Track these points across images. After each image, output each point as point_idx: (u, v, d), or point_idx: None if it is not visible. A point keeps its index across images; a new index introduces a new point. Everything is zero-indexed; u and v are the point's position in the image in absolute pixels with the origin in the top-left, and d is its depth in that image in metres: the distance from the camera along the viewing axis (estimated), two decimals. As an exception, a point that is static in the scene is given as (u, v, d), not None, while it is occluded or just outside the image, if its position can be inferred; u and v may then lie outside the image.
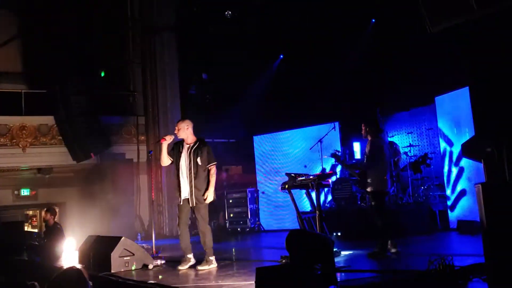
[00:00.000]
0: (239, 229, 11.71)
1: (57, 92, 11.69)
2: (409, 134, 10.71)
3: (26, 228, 13.07)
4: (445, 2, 4.13)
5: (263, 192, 12.15)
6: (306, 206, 10.56)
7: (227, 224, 11.86)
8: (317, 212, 6.32)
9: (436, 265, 4.13)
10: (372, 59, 11.34)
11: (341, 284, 4.26)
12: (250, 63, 13.63)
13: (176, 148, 6.44)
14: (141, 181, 12.72)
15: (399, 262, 5.72)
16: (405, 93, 10.63)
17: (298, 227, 6.51)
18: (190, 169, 6.18)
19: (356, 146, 11.04)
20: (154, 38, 12.84)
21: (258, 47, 13.31)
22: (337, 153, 7.28)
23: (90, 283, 2.86)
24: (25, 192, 13.64)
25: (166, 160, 6.41)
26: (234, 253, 7.60)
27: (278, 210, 11.87)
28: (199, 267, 6.08)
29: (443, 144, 9.25)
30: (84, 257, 6.93)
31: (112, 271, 6.09)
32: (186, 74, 13.17)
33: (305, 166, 11.37)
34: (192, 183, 6.13)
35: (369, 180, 6.44)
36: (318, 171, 11.06)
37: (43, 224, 9.59)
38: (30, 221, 15.29)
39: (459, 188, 8.69)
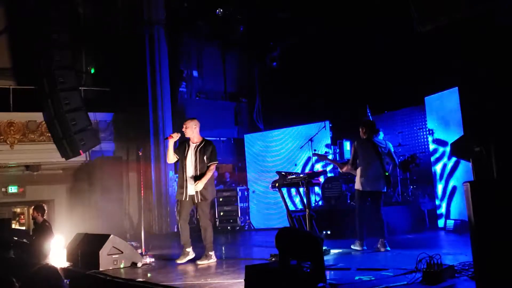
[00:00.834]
0: (229, 227, 11.70)
1: (46, 88, 11.57)
2: (399, 134, 10.76)
3: (13, 226, 12.96)
4: (434, 2, 4.15)
5: (253, 191, 12.15)
6: (297, 204, 10.57)
7: (217, 223, 11.84)
8: (307, 210, 6.33)
9: (424, 263, 4.15)
10: (363, 58, 11.38)
11: (330, 282, 4.26)
12: (241, 61, 13.63)
13: (182, 147, 6.58)
14: (131, 179, 12.66)
15: (388, 261, 5.75)
16: (395, 93, 10.69)
17: (288, 226, 6.51)
18: (196, 167, 6.36)
19: (347, 145, 11.07)
20: (144, 34, 12.76)
21: (249, 44, 13.29)
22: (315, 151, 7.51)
23: (67, 281, 2.83)
24: (12, 189, 13.51)
25: (172, 157, 6.57)
26: (223, 251, 7.59)
27: (269, 209, 11.87)
28: (198, 262, 6.22)
29: (432, 144, 9.30)
30: (72, 255, 6.87)
31: (101, 269, 6.04)
32: (176, 70, 13.11)
33: (296, 165, 11.38)
34: (199, 178, 6.27)
35: (355, 179, 6.82)
36: (308, 169, 11.10)
37: (32, 221, 9.50)
38: (17, 218, 15.16)
39: (448, 187, 8.75)
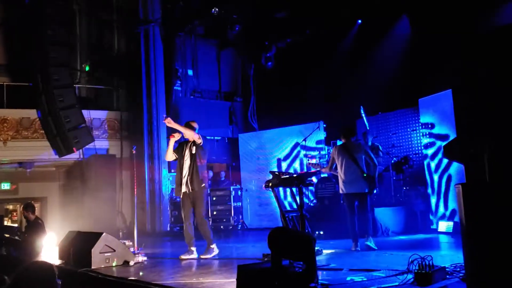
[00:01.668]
0: (222, 226, 11.69)
1: (40, 85, 11.52)
2: (393, 135, 10.80)
3: (6, 223, 12.89)
4: (428, 4, 4.16)
5: (245, 190, 12.15)
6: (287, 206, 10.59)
7: (210, 222, 11.82)
8: (300, 210, 6.33)
9: (416, 264, 4.17)
10: (358, 59, 11.42)
11: (322, 283, 4.27)
12: (236, 60, 13.63)
13: (180, 147, 6.90)
14: (124, 177, 12.63)
15: (380, 261, 5.77)
16: (389, 94, 10.73)
17: (281, 225, 6.52)
18: (192, 162, 6.70)
19: (340, 146, 11.09)
20: (140, 32, 12.74)
21: (244, 44, 13.29)
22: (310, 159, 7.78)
23: (59, 281, 2.81)
24: (5, 186, 13.45)
25: (171, 155, 6.91)
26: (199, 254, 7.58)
27: (262, 208, 11.88)
28: (201, 256, 6.58)
29: (425, 145, 9.34)
30: (64, 253, 6.84)
31: (93, 267, 6.02)
32: (171, 69, 13.09)
33: (290, 165, 11.41)
34: (192, 174, 6.65)
35: None
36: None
37: (24, 219, 9.45)
38: (10, 215, 15.09)
39: (441, 189, 8.79)
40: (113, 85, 13.43)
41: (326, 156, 10.79)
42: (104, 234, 6.35)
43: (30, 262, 2.89)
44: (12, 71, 12.82)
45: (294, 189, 6.71)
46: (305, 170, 10.84)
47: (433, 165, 9.02)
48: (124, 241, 7.38)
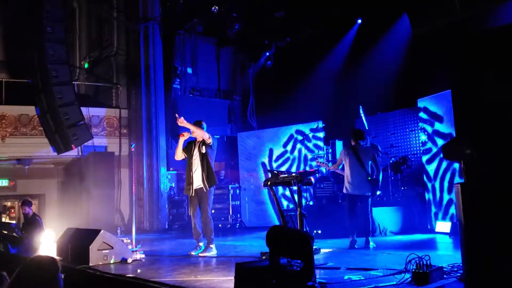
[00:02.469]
0: (220, 225, 11.69)
1: (39, 82, 11.51)
2: (392, 135, 10.81)
3: (3, 219, 12.88)
4: (429, 4, 4.18)
5: (244, 189, 12.16)
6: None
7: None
8: (298, 209, 6.34)
9: (413, 264, 4.18)
10: (356, 59, 11.42)
11: (320, 281, 4.28)
12: (236, 58, 13.62)
13: (189, 146, 7.03)
14: (123, 175, 12.63)
15: (377, 261, 5.79)
16: (388, 94, 10.74)
17: (280, 224, 6.53)
18: (201, 161, 6.83)
19: (339, 145, 11.11)
20: (139, 30, 12.73)
21: (244, 43, 13.29)
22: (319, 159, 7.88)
23: (62, 275, 2.81)
24: (3, 182, 13.43)
25: (180, 154, 7.01)
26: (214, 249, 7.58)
27: (260, 207, 11.89)
28: (200, 254, 6.69)
29: (424, 146, 9.35)
30: (62, 250, 6.84)
31: (90, 264, 6.02)
32: (170, 67, 13.08)
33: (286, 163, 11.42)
34: (202, 173, 6.78)
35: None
36: (301, 169, 11.13)
37: (22, 216, 9.44)
38: (8, 212, 15.05)
39: (439, 189, 8.80)
40: (112, 82, 13.42)
41: (324, 156, 10.82)
42: (102, 231, 6.35)
43: (32, 257, 2.88)
44: (11, 68, 12.80)
45: (294, 188, 6.70)
46: (301, 169, 10.85)
47: (431, 168, 9.03)
48: (122, 238, 7.39)
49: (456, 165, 8.24)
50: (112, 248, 6.30)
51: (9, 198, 14.26)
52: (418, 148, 10.24)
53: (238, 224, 11.91)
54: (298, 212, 6.26)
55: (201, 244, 6.86)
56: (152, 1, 12.71)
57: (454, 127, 8.27)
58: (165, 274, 5.37)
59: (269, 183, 6.66)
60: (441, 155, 8.37)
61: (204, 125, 7.05)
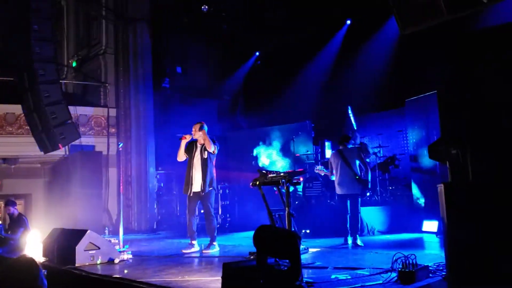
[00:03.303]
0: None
1: (26, 80, 11.37)
2: (379, 136, 10.88)
3: (-12, 220, 12.72)
4: (416, 6, 4.21)
5: (233, 188, 12.13)
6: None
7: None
8: (286, 209, 6.35)
9: (399, 263, 4.21)
10: (345, 59, 11.47)
11: (307, 281, 4.29)
12: (225, 58, 13.60)
13: (190, 147, 7.31)
14: (110, 174, 12.54)
15: (364, 260, 5.82)
16: (377, 94, 10.80)
17: (268, 224, 6.52)
18: (202, 165, 7.14)
19: (328, 145, 11.15)
20: (128, 28, 12.65)
21: (233, 42, 13.27)
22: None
23: (44, 271, 2.80)
24: (-11, 182, 13.26)
25: (182, 156, 7.29)
26: (202, 249, 7.57)
27: (249, 207, 11.86)
28: (204, 251, 6.98)
29: (411, 146, 9.42)
30: (48, 250, 6.78)
31: (77, 265, 5.97)
32: (159, 66, 13.02)
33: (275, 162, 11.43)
34: (204, 177, 7.08)
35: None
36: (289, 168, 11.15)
37: (7, 216, 9.34)
38: (-7, 212, 14.87)
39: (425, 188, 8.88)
40: (100, 81, 13.33)
41: (313, 155, 10.85)
42: (89, 231, 6.30)
43: (13, 259, 2.88)
44: (-3, 66, 12.64)
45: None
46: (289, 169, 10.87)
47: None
48: (110, 238, 7.34)
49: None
50: (99, 248, 6.25)
51: (-5, 198, 14.09)
52: (405, 148, 10.31)
53: (227, 224, 11.88)
54: (286, 212, 6.27)
55: (194, 242, 7.06)
56: (141, 0, 12.64)
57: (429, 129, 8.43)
58: (152, 274, 5.34)
59: (257, 182, 6.66)
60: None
61: (206, 127, 7.30)
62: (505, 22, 3.83)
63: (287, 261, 4.12)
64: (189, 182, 7.16)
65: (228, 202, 12.05)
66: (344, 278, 4.56)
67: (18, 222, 8.58)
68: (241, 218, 11.93)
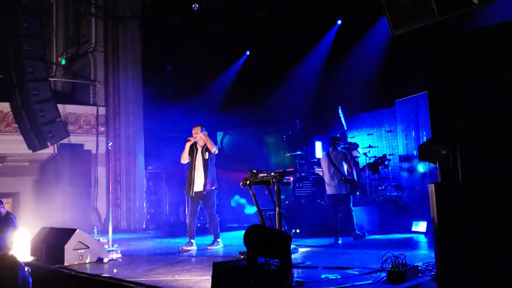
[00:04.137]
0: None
1: (14, 78, 11.25)
2: (369, 136, 10.92)
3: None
4: (407, 6, 4.23)
5: (223, 188, 12.10)
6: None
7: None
8: (276, 209, 6.34)
9: (389, 263, 4.23)
10: (336, 59, 11.49)
11: (297, 280, 4.30)
12: (215, 57, 13.54)
13: (191, 149, 7.56)
14: (99, 173, 12.45)
15: (354, 260, 5.83)
16: (366, 95, 10.83)
17: (258, 223, 6.52)
18: (204, 165, 7.41)
19: (318, 145, 11.18)
20: (118, 26, 12.56)
21: (224, 41, 13.22)
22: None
23: (28, 268, 2.77)
24: (-24, 181, 13.07)
25: (186, 158, 7.57)
26: (207, 245, 7.56)
27: (239, 207, 11.86)
28: (208, 247, 7.32)
29: (401, 146, 9.47)
30: (36, 249, 6.72)
31: (65, 264, 5.93)
32: (149, 65, 12.95)
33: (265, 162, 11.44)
34: (205, 177, 7.35)
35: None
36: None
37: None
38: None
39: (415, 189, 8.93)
40: (89, 79, 13.22)
41: (304, 155, 10.86)
42: (77, 230, 6.26)
43: None
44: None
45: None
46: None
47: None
48: (99, 237, 7.29)
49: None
50: (88, 247, 6.22)
51: (-18, 196, 13.90)
52: (395, 148, 10.37)
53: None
54: (276, 212, 6.27)
55: (192, 240, 7.33)
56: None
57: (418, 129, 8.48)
58: (142, 274, 5.31)
59: (247, 182, 6.65)
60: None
61: (203, 128, 7.59)
62: (495, 23, 3.86)
63: (277, 260, 4.12)
64: (191, 183, 7.44)
65: (217, 202, 12.01)
66: (334, 277, 4.57)
67: (6, 221, 8.48)
68: (230, 217, 11.91)
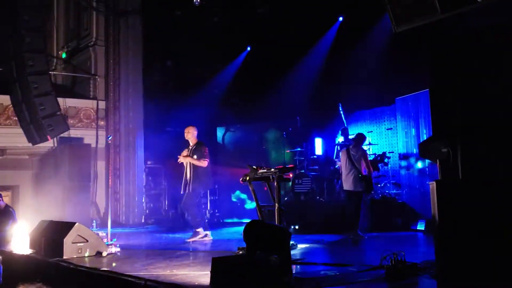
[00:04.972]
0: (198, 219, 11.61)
1: (14, 71, 11.22)
2: (369, 133, 10.91)
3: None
4: (410, 3, 4.21)
5: (222, 184, 12.12)
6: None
7: (186, 215, 11.76)
8: (276, 205, 6.35)
9: (388, 260, 4.23)
10: (336, 56, 11.47)
11: (296, 276, 4.30)
12: (216, 53, 13.51)
13: (185, 149, 7.91)
14: (99, 167, 12.44)
15: (354, 257, 5.84)
16: (367, 92, 10.82)
17: (257, 219, 6.52)
18: (190, 166, 7.66)
19: (318, 142, 11.18)
20: (119, 20, 12.51)
21: (225, 37, 13.19)
22: None
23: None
24: (-25, 174, 13.06)
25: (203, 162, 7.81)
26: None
27: (238, 202, 11.87)
28: (186, 240, 7.60)
29: (401, 144, 9.47)
30: (35, 242, 6.72)
31: (64, 257, 5.93)
32: (150, 60, 12.92)
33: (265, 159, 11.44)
34: (191, 176, 7.63)
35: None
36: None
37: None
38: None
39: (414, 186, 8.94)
40: (90, 73, 13.19)
41: (303, 151, 10.87)
42: (77, 224, 6.26)
43: None
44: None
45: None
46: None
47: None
48: (98, 231, 7.29)
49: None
50: (87, 241, 6.22)
51: (-19, 189, 13.90)
52: (395, 146, 10.36)
53: (216, 219, 11.87)
54: (276, 207, 6.27)
55: (198, 230, 7.63)
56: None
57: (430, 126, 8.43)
58: (141, 268, 5.31)
59: (247, 178, 6.65)
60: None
61: (196, 130, 7.91)
62: (498, 22, 3.85)
63: (276, 256, 4.12)
64: (183, 180, 7.79)
65: (216, 198, 12.04)
66: (333, 274, 4.57)
67: (5, 214, 8.48)
68: (230, 213, 11.92)
